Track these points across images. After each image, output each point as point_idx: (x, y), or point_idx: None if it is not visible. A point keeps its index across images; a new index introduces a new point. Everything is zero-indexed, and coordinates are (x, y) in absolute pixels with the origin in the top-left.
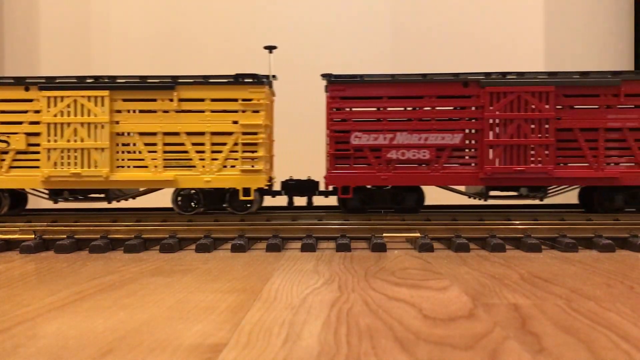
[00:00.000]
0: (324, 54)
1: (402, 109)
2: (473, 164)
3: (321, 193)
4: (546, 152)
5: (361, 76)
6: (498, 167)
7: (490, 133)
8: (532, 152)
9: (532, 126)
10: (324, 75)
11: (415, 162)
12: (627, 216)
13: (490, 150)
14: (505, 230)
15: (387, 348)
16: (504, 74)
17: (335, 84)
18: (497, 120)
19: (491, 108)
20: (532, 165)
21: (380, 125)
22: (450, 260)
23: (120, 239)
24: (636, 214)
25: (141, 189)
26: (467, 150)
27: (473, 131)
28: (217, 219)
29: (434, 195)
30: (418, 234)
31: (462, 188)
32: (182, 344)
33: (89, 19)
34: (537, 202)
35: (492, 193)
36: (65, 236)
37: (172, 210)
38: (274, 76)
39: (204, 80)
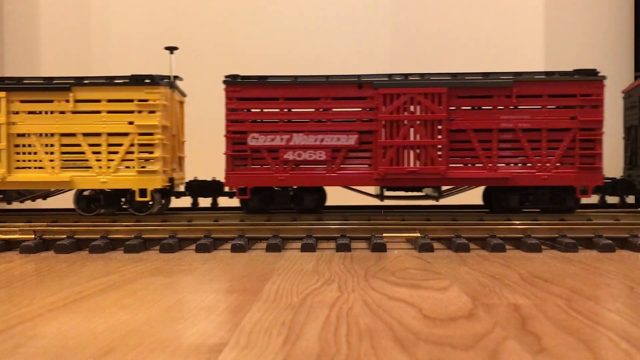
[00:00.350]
0: (324, 54)
1: (299, 110)
2: (368, 165)
3: (226, 194)
4: (439, 153)
5: (258, 77)
6: (391, 168)
7: (384, 134)
8: (425, 153)
9: (425, 127)
10: (227, 76)
11: (312, 163)
12: (627, 216)
13: (384, 151)
14: (505, 230)
15: (387, 348)
16: (390, 76)
17: (232, 85)
18: (390, 122)
19: (384, 109)
20: (425, 166)
21: (277, 127)
22: (450, 260)
23: (120, 239)
24: (636, 214)
25: (40, 191)
26: (362, 151)
27: (367, 132)
28: (217, 219)
29: (340, 195)
30: (418, 234)
31: (371, 189)
32: (182, 344)
33: (89, 19)
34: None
35: (390, 193)
36: (65, 236)
37: (172, 210)
38: (176, 77)
39: (100, 82)
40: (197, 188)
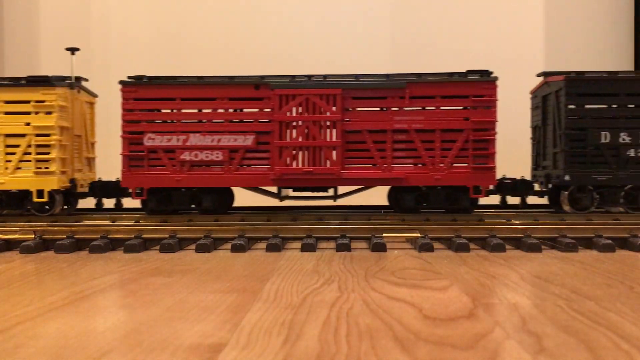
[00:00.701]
0: (324, 54)
1: (195, 110)
2: (265, 165)
3: (129, 195)
4: (334, 153)
5: (155, 78)
6: (287, 168)
7: (280, 135)
8: (320, 154)
9: (320, 128)
10: (130, 77)
11: (209, 164)
12: (627, 216)
13: (281, 152)
14: (505, 230)
15: (387, 348)
16: (293, 77)
17: (128, 85)
18: (286, 122)
19: (280, 110)
20: (320, 166)
21: (173, 127)
22: (450, 260)
23: (120, 239)
24: (636, 214)
25: None
26: (260, 151)
27: (265, 133)
28: (217, 219)
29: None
30: (418, 234)
31: (274, 189)
32: (182, 344)
33: (89, 19)
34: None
35: (297, 194)
36: (65, 236)
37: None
38: (79, 78)
39: None
40: (99, 189)
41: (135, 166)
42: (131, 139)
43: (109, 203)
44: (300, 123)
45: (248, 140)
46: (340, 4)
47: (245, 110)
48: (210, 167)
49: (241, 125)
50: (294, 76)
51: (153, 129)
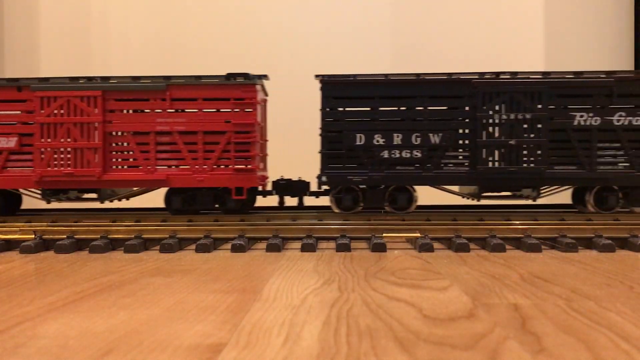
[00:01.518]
0: (323, 54)
1: None
2: (29, 167)
3: None
4: (95, 155)
5: None
6: (49, 170)
7: (42, 136)
8: (82, 156)
9: (82, 130)
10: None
11: None
12: (627, 216)
13: (42, 154)
14: (505, 230)
15: (387, 348)
16: (47, 79)
17: None
18: (47, 124)
19: (42, 112)
20: (82, 168)
21: None
22: (450, 260)
23: (120, 239)
24: (637, 214)
25: None
26: (23, 153)
27: (28, 135)
28: (217, 219)
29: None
30: (418, 234)
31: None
32: (182, 344)
33: (89, 19)
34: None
35: (87, 195)
36: (65, 236)
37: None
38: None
39: None
40: None
41: None
42: None
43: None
44: (61, 125)
45: (11, 143)
46: (340, 5)
47: (8, 112)
48: None
49: (4, 127)
50: (59, 78)
51: None
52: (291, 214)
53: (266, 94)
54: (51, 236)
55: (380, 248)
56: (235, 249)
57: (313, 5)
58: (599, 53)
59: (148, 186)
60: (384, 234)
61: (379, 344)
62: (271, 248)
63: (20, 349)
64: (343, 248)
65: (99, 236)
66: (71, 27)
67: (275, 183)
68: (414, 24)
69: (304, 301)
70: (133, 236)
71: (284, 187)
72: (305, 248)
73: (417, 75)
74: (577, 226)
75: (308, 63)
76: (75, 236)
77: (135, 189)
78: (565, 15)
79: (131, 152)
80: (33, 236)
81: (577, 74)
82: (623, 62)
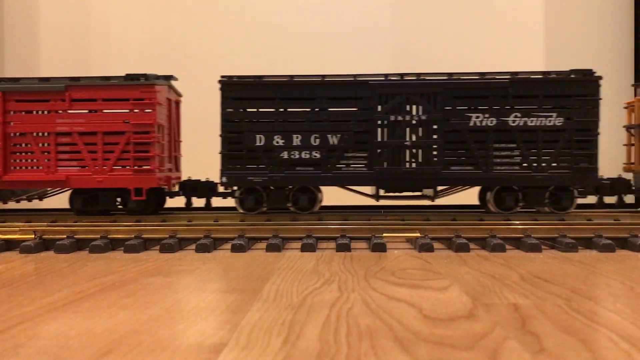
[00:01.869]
0: (323, 55)
1: None
2: None
3: None
4: None
5: None
6: None
7: None
8: None
9: None
10: None
11: None
12: (627, 216)
13: None
14: (505, 230)
15: (387, 348)
16: None
17: None
18: None
19: None
20: None
21: None
22: (450, 260)
23: (120, 239)
24: (637, 214)
25: None
26: None
27: None
28: (217, 219)
29: None
30: (418, 234)
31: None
32: (182, 344)
33: (89, 19)
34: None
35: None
36: (65, 236)
37: (172, 210)
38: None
39: None
40: None
41: None
42: None
43: None
44: None
45: None
46: (340, 5)
47: None
48: None
49: None
50: None
51: None
52: (291, 214)
53: (178, 94)
54: (51, 236)
55: (380, 248)
56: (235, 249)
57: (313, 5)
58: (599, 53)
59: (49, 187)
60: (384, 234)
61: (379, 344)
62: (271, 248)
63: (20, 349)
64: (343, 248)
65: (99, 236)
66: (71, 27)
67: (182, 184)
68: (414, 24)
69: (304, 301)
70: (133, 236)
71: (191, 187)
72: (305, 248)
73: (322, 76)
74: (577, 226)
75: (308, 63)
76: (75, 236)
77: (36, 189)
78: (565, 15)
79: (32, 153)
80: (33, 236)
81: (481, 75)
82: (623, 62)
